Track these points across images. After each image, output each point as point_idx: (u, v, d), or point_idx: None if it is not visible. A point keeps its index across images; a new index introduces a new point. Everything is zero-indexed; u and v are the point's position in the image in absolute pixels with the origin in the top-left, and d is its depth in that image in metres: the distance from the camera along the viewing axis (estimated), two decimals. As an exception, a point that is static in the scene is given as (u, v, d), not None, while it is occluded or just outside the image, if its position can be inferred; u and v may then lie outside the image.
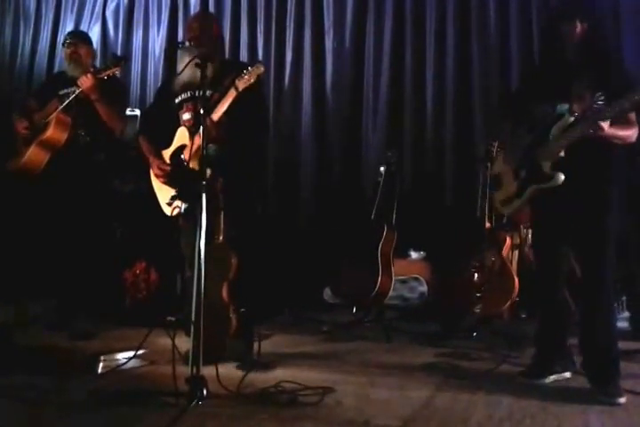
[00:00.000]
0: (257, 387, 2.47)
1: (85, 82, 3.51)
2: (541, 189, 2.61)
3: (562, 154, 2.55)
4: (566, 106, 2.57)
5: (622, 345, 2.72)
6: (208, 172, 2.56)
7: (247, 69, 2.77)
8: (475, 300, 3.68)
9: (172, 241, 3.09)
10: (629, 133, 2.54)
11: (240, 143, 2.94)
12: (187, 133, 2.94)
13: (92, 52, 3.95)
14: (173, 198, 2.87)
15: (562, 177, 2.53)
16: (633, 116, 2.55)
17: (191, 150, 2.80)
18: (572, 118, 2.52)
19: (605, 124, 2.42)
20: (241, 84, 2.75)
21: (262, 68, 2.82)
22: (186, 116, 3.03)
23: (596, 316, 2.57)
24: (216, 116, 2.77)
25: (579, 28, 2.59)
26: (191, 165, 2.76)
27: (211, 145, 2.73)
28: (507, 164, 2.83)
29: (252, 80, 2.76)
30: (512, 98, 3.03)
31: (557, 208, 2.63)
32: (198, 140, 2.69)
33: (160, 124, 3.14)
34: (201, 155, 2.54)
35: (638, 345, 3.32)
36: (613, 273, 2.61)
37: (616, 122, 2.48)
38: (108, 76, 3.56)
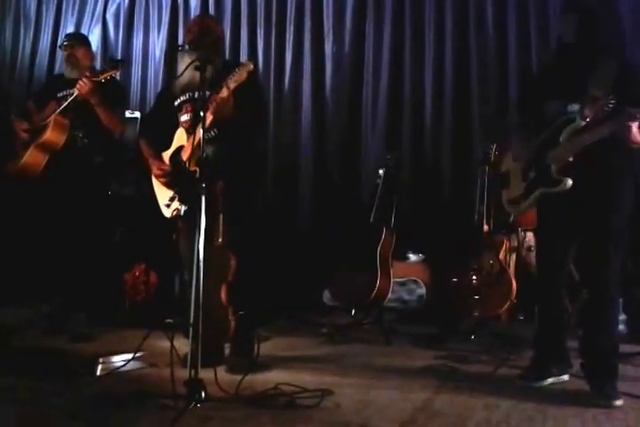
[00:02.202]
0: (255, 389, 2.47)
1: (83, 87, 3.50)
2: (548, 193, 2.59)
3: (570, 158, 2.52)
4: (577, 106, 2.54)
5: (619, 348, 2.73)
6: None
7: (237, 68, 2.81)
8: (473, 302, 3.69)
9: (171, 243, 3.09)
10: None
11: (238, 140, 2.96)
12: (184, 135, 2.96)
13: (91, 54, 3.94)
14: (172, 200, 2.89)
15: (570, 182, 2.50)
16: None
17: (191, 151, 2.82)
18: (583, 123, 2.49)
19: (635, 126, 2.37)
20: (232, 83, 2.78)
21: (251, 66, 2.85)
22: (184, 117, 3.05)
23: (598, 318, 2.56)
24: (209, 117, 2.79)
25: (572, 21, 2.57)
26: (189, 166, 2.79)
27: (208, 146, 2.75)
28: (516, 162, 2.80)
29: (242, 77, 2.79)
30: (525, 96, 2.99)
31: (564, 213, 2.61)
32: (195, 141, 2.72)
33: (160, 126, 3.15)
34: (200, 156, 2.56)
35: (635, 348, 3.32)
36: (618, 276, 2.57)
37: None
38: (105, 79, 3.55)
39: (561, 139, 2.55)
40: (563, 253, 2.69)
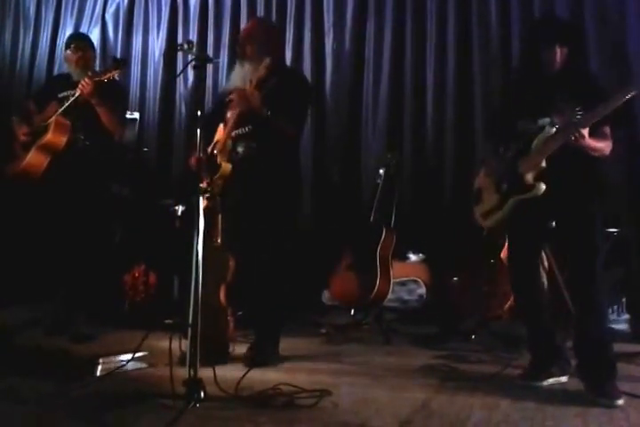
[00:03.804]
0: (254, 389, 2.46)
1: (85, 87, 3.49)
2: (522, 201, 2.62)
3: (543, 164, 2.57)
4: (547, 119, 2.59)
5: (622, 347, 2.73)
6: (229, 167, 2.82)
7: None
8: (473, 302, 3.68)
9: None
10: (604, 146, 2.57)
11: (272, 137, 3.00)
12: (221, 129, 3.09)
13: (95, 56, 3.97)
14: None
15: (543, 187, 2.55)
16: (608, 129, 2.58)
17: (223, 144, 2.98)
18: (554, 130, 2.54)
19: (585, 132, 2.43)
20: (254, 78, 2.91)
21: (267, 60, 2.94)
22: (229, 114, 3.11)
23: (587, 318, 2.56)
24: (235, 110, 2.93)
25: (558, 53, 2.60)
26: (218, 160, 2.92)
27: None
28: (488, 177, 2.84)
29: (261, 73, 2.91)
30: (496, 115, 3.06)
31: (537, 218, 2.65)
32: (223, 135, 2.92)
33: (212, 124, 3.21)
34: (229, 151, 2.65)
35: (638, 348, 3.31)
36: (603, 276, 2.60)
37: (593, 134, 2.49)
38: (107, 78, 3.54)
39: (533, 147, 2.60)
40: (536, 257, 2.76)
